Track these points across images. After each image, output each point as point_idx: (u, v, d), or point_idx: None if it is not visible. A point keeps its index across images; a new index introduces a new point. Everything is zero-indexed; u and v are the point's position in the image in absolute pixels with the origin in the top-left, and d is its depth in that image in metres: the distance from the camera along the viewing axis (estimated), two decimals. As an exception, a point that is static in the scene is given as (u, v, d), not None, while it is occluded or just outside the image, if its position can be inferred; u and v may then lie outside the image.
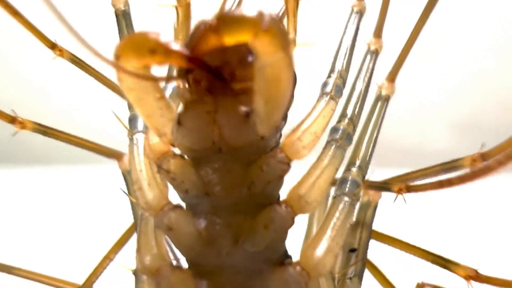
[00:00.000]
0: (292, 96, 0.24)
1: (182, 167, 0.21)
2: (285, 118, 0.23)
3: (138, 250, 0.23)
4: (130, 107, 0.27)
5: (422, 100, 0.99)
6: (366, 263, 0.31)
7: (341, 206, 0.23)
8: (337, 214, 0.23)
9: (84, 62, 0.30)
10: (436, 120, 1.02)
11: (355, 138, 0.28)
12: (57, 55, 0.29)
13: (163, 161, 0.21)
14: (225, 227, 0.21)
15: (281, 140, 0.22)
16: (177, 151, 0.22)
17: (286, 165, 0.21)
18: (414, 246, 0.28)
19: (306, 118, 0.22)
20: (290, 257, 0.22)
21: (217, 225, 0.21)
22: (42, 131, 0.27)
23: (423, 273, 0.35)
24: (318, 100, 0.24)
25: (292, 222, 0.21)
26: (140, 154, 0.23)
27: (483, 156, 0.23)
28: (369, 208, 0.31)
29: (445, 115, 1.02)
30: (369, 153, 0.27)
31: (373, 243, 0.31)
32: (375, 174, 0.29)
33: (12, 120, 0.25)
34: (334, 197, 0.24)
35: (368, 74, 0.29)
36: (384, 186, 0.28)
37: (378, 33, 0.30)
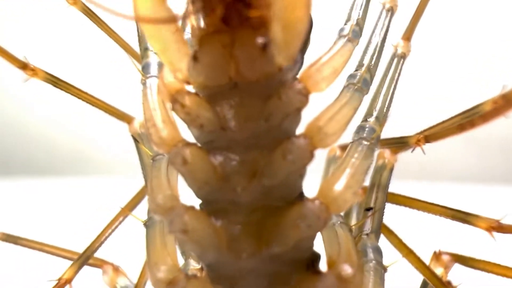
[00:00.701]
0: (308, 39, 0.24)
1: (197, 103, 0.21)
2: (303, 51, 0.22)
3: (151, 193, 0.22)
4: (143, 55, 0.26)
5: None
6: (382, 228, 0.30)
7: (359, 148, 0.23)
8: (355, 155, 0.22)
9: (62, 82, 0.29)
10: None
11: (371, 94, 0.27)
12: (29, 75, 0.26)
13: (177, 97, 0.21)
14: (241, 162, 0.21)
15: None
16: (191, 90, 0.22)
17: (304, 96, 0.20)
18: (432, 204, 0.28)
19: (324, 54, 0.22)
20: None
21: (233, 160, 0.21)
22: (53, 82, 0.26)
23: (441, 242, 0.34)
24: (335, 42, 0.23)
25: (311, 157, 0.20)
26: (154, 95, 0.23)
27: (505, 97, 0.22)
28: (385, 171, 0.30)
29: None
30: (386, 107, 0.27)
31: (389, 210, 0.30)
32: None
33: (24, 66, 0.25)
34: (352, 142, 0.24)
35: (383, 31, 0.28)
36: (400, 141, 0.28)
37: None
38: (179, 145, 0.21)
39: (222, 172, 0.21)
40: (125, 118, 0.31)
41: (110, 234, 0.29)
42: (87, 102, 0.29)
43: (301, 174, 0.21)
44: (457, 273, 0.32)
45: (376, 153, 0.31)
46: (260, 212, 0.21)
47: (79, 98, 0.29)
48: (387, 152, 0.31)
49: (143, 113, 0.23)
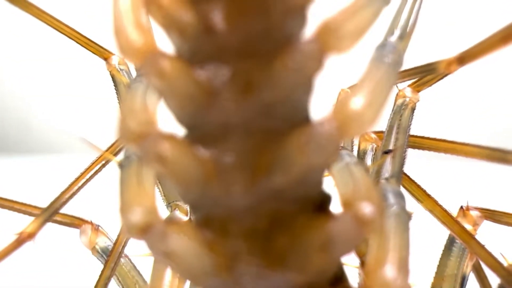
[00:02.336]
0: None
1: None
2: None
3: (123, 120, 0.18)
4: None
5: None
6: (403, 177, 0.26)
7: (381, 65, 0.18)
8: (375, 71, 0.18)
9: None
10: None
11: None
12: None
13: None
14: (233, 73, 0.16)
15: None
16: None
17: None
18: (462, 144, 0.23)
19: None
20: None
21: (222, 71, 0.16)
22: (23, 4, 0.22)
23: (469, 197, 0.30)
24: None
25: (319, 64, 0.16)
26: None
27: None
28: (406, 110, 0.26)
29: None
30: (410, 24, 0.22)
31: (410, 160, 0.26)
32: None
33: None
34: (371, 60, 0.19)
35: None
36: (426, 69, 0.23)
37: None
38: (154, 54, 0.17)
39: (209, 87, 0.16)
40: (103, 53, 0.27)
41: (84, 184, 0.24)
42: (64, 34, 0.25)
43: (307, 89, 0.17)
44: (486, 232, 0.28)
45: (395, 90, 0.27)
46: (256, 136, 0.16)
47: (56, 29, 0.25)
48: (407, 90, 0.26)
49: (112, 18, 0.19)
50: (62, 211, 0.26)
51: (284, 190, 0.17)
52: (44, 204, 0.27)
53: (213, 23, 0.16)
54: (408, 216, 0.21)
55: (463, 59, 0.21)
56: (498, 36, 0.21)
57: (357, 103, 0.16)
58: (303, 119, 0.17)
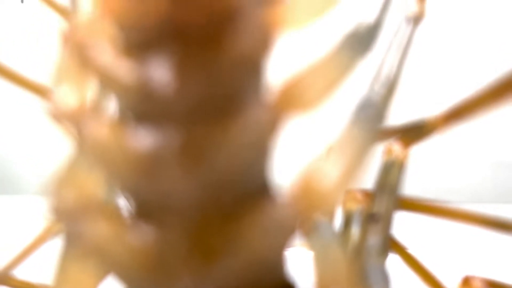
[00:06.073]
0: None
1: (115, 53, 0.14)
2: None
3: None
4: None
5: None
6: (392, 243, 0.23)
7: (356, 129, 0.16)
8: (352, 131, 0.15)
9: None
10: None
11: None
12: None
13: (88, 43, 0.14)
14: (176, 140, 0.14)
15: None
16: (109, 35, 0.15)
17: (267, 40, 0.14)
18: (459, 211, 0.20)
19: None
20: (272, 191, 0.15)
21: (166, 137, 0.14)
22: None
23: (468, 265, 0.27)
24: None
25: (278, 129, 0.14)
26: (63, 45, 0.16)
27: None
28: (394, 169, 0.23)
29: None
30: (392, 80, 0.20)
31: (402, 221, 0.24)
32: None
33: None
34: (348, 123, 0.17)
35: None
36: (413, 127, 0.21)
37: None
38: (89, 117, 0.14)
39: (152, 155, 0.14)
40: (41, 91, 0.25)
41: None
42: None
43: (263, 157, 0.14)
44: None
45: (382, 146, 0.24)
46: (204, 213, 0.14)
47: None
48: (396, 146, 0.24)
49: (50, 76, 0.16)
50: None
51: (239, 277, 0.14)
52: None
53: (155, 84, 0.14)
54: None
55: (452, 116, 0.18)
56: (489, 92, 0.18)
57: (323, 179, 0.14)
58: (259, 192, 0.14)
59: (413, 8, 0.23)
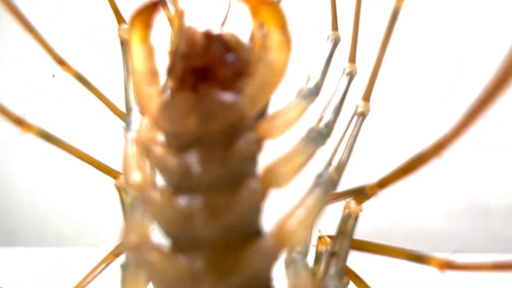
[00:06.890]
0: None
1: (166, 151, 0.24)
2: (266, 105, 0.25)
3: (125, 233, 0.24)
4: (127, 114, 0.29)
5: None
6: (350, 274, 0.32)
7: (316, 191, 0.25)
8: (311, 197, 0.25)
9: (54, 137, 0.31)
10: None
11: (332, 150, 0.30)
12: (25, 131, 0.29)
13: (150, 146, 0.24)
14: (203, 202, 0.23)
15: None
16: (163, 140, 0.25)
17: (259, 145, 0.23)
18: (389, 247, 0.30)
19: (280, 109, 0.25)
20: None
21: (196, 200, 0.23)
22: (46, 137, 0.29)
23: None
24: (291, 100, 0.27)
25: (264, 196, 0.23)
26: (131, 146, 0.26)
27: (440, 144, 0.25)
28: (350, 219, 0.32)
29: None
30: (344, 159, 0.30)
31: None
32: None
33: (19, 122, 0.28)
34: (310, 186, 0.26)
35: (343, 92, 0.32)
36: (359, 190, 0.30)
37: (352, 58, 0.34)
38: (148, 188, 0.24)
39: (186, 211, 0.23)
40: (112, 173, 0.34)
41: (90, 281, 0.31)
42: (76, 157, 0.32)
43: (257, 213, 0.23)
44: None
45: (342, 203, 0.33)
46: (219, 247, 0.23)
47: (69, 152, 0.32)
48: (352, 203, 0.33)
49: (121, 163, 0.26)
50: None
51: (240, 285, 0.23)
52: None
53: (190, 169, 0.23)
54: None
55: (381, 184, 0.28)
56: (412, 162, 0.28)
57: (292, 224, 0.23)
58: (254, 234, 0.23)
59: (361, 106, 0.33)
